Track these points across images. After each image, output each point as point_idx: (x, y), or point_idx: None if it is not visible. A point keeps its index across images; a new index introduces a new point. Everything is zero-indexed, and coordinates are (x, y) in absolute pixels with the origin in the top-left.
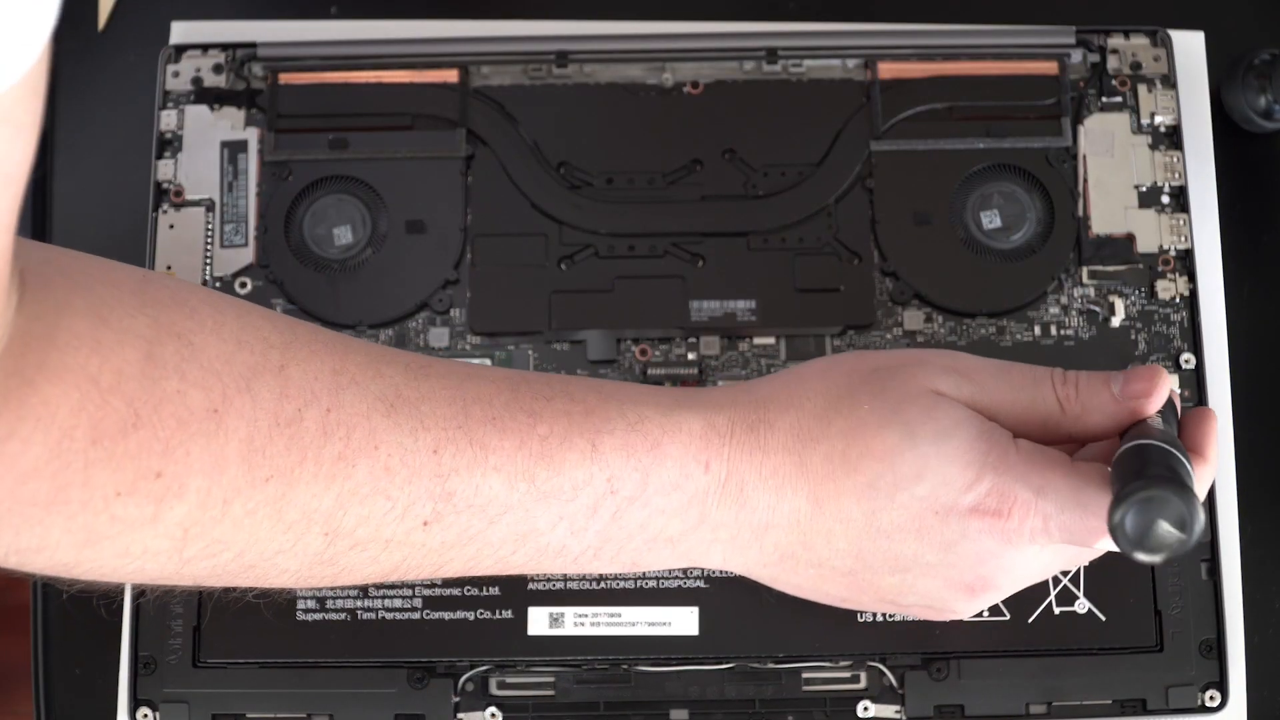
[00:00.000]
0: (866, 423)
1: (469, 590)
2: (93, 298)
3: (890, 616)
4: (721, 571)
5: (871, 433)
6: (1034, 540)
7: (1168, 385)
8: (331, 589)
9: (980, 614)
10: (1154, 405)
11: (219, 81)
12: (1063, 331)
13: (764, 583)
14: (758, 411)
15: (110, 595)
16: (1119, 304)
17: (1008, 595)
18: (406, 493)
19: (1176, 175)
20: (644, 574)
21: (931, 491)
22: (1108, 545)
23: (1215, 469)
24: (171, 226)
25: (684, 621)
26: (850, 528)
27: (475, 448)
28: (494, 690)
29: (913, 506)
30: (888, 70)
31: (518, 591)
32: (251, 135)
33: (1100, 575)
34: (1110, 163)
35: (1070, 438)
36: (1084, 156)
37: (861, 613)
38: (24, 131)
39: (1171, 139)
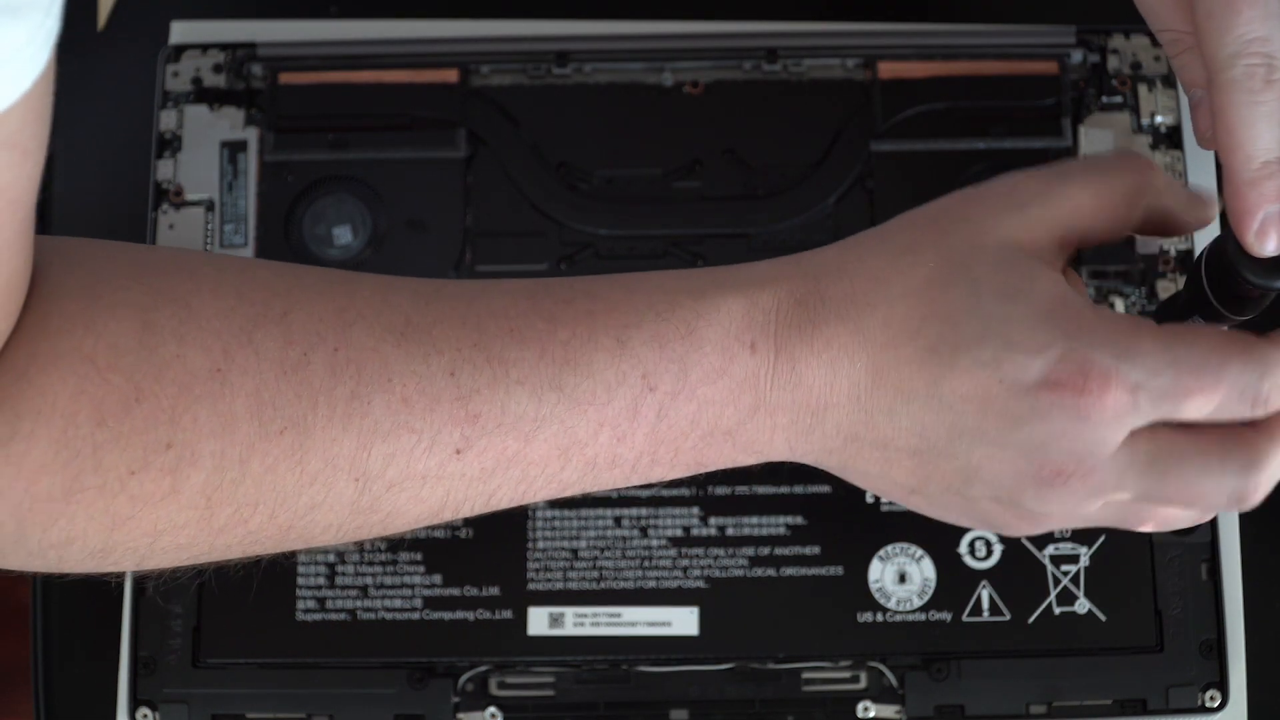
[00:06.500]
0: (930, 281)
1: (469, 590)
2: (86, 275)
3: (890, 617)
4: (722, 571)
5: (936, 292)
6: (1119, 419)
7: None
8: (331, 588)
9: (981, 615)
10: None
11: (219, 81)
12: None
13: (837, 474)
14: (807, 283)
15: (109, 589)
16: (1119, 304)
17: (1090, 501)
18: (430, 422)
19: (1177, 175)
20: (644, 574)
21: (995, 356)
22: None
23: None
24: (171, 226)
25: (684, 621)
26: (912, 401)
27: (494, 364)
28: (494, 690)
29: (976, 373)
30: (888, 70)
31: (518, 591)
32: (251, 135)
33: (1100, 575)
34: None
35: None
36: (1084, 157)
37: (861, 612)
38: (29, 155)
39: (1172, 139)
